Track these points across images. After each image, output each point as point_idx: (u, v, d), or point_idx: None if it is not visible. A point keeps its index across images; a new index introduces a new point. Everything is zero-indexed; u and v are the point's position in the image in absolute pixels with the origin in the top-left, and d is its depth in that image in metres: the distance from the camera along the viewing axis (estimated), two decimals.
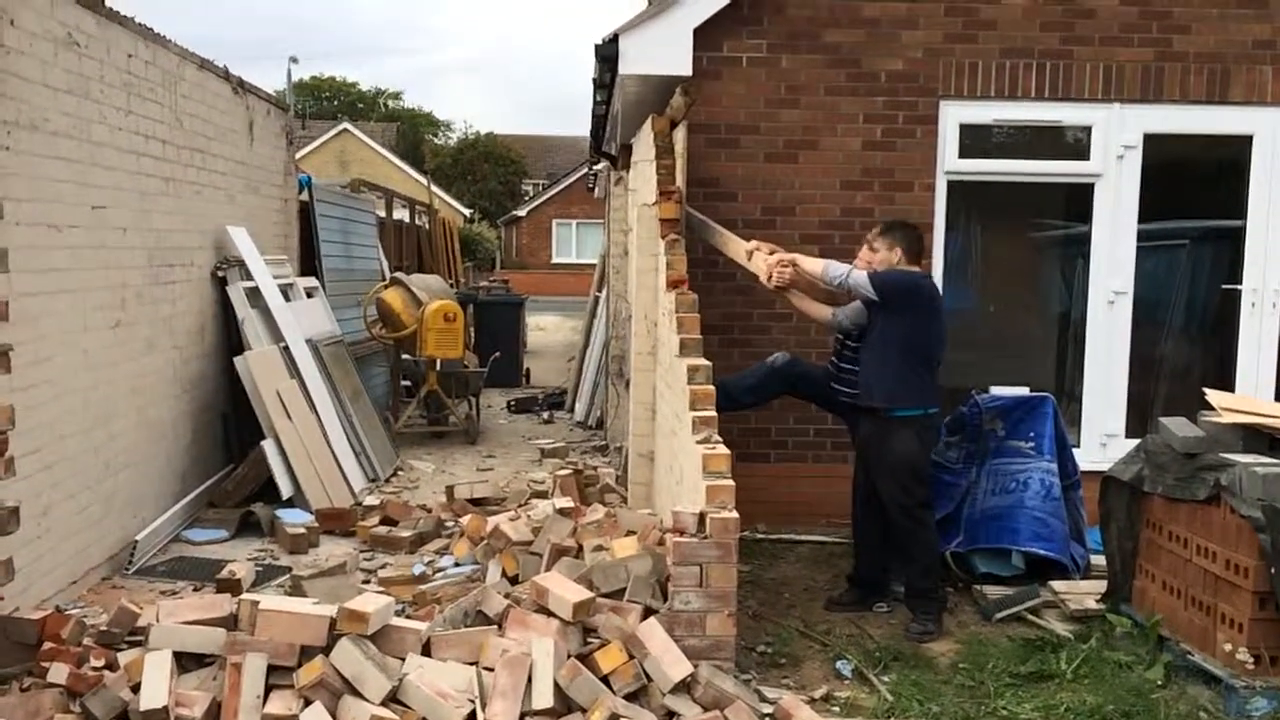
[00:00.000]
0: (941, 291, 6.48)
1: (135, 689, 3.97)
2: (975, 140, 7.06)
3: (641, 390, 6.41)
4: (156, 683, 3.92)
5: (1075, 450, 6.41)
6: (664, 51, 6.79)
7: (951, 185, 7.06)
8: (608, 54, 6.97)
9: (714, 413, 4.98)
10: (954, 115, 6.96)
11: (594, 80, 8.34)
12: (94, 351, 5.82)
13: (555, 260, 39.83)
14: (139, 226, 6.44)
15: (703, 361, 5.25)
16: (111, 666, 4.12)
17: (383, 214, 14.21)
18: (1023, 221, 7.67)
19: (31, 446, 5.06)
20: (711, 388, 5.12)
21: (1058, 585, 5.66)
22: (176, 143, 7.08)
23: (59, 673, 4.02)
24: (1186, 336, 7.63)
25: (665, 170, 6.04)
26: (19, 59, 5.06)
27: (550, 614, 4.32)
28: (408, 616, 4.75)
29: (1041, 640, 5.13)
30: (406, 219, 17.28)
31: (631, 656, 4.20)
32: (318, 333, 8.60)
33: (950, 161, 7.00)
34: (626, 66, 6.86)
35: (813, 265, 5.68)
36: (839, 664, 4.89)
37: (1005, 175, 7.13)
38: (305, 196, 10.25)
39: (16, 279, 4.89)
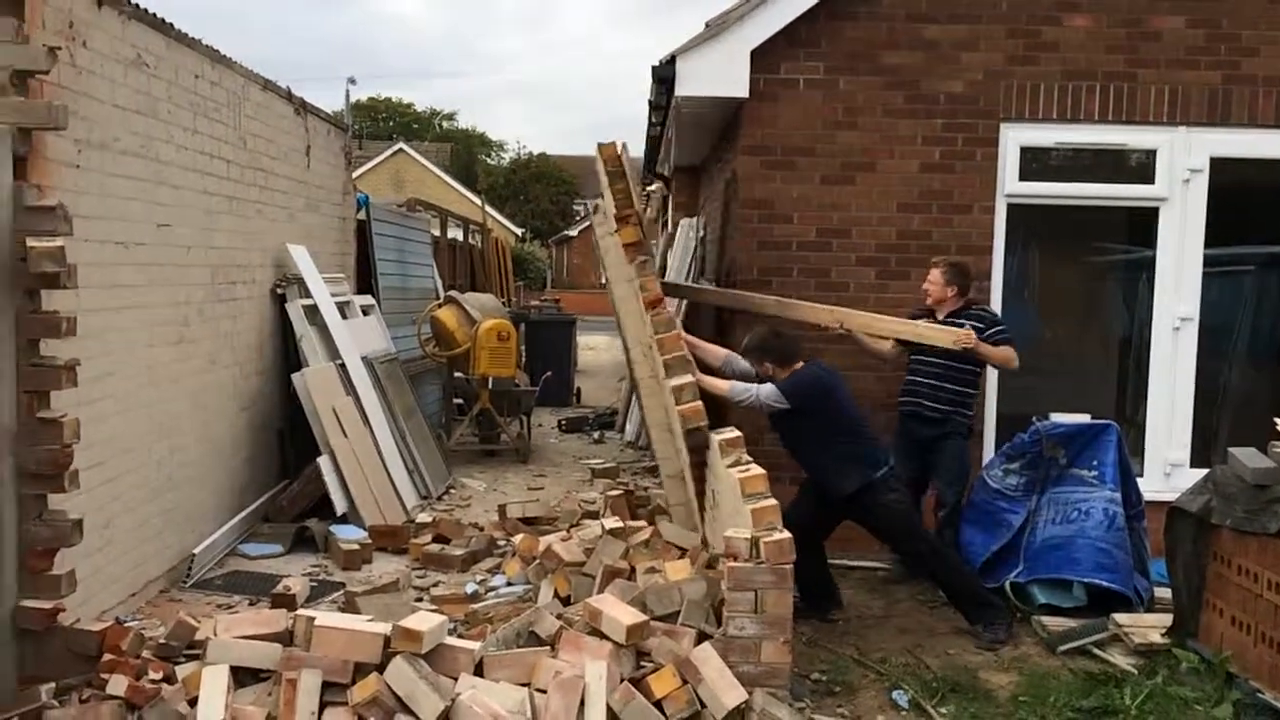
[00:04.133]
0: (1000, 315, 6.43)
1: (192, 703, 4.00)
2: (1036, 163, 6.97)
3: (654, 413, 6.37)
4: (214, 698, 3.95)
5: (1139, 480, 6.27)
6: (721, 73, 6.81)
7: (1011, 208, 6.97)
8: (664, 76, 6.99)
9: (734, 432, 5.11)
10: (1015, 138, 6.88)
11: (650, 102, 8.37)
12: (157, 367, 5.91)
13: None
14: (202, 244, 6.55)
15: (688, 379, 5.34)
16: (169, 679, 4.15)
17: (437, 233, 14.33)
18: (1083, 245, 7.55)
19: (95, 460, 5.14)
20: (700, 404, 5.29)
21: (1121, 618, 5.52)
22: (240, 162, 7.19)
23: (118, 684, 4.06)
24: (1253, 364, 7.44)
25: (621, 194, 5.99)
26: (90, 79, 5.17)
27: (603, 636, 4.29)
28: (460, 636, 4.74)
29: (1105, 674, 5.01)
30: (460, 238, 17.43)
31: (685, 681, 4.16)
32: (373, 350, 8.67)
33: (1010, 184, 6.91)
34: (683, 88, 6.88)
35: (717, 385, 5.70)
36: (895, 694, 4.80)
37: (1067, 198, 7.03)
38: (363, 215, 10.37)
39: (84, 295, 4.97)
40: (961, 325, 6.08)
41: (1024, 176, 6.94)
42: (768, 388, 5.54)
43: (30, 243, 4.26)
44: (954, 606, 5.70)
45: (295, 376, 7.57)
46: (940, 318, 6.26)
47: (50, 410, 4.39)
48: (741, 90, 6.82)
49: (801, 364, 5.64)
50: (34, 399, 4.35)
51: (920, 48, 6.85)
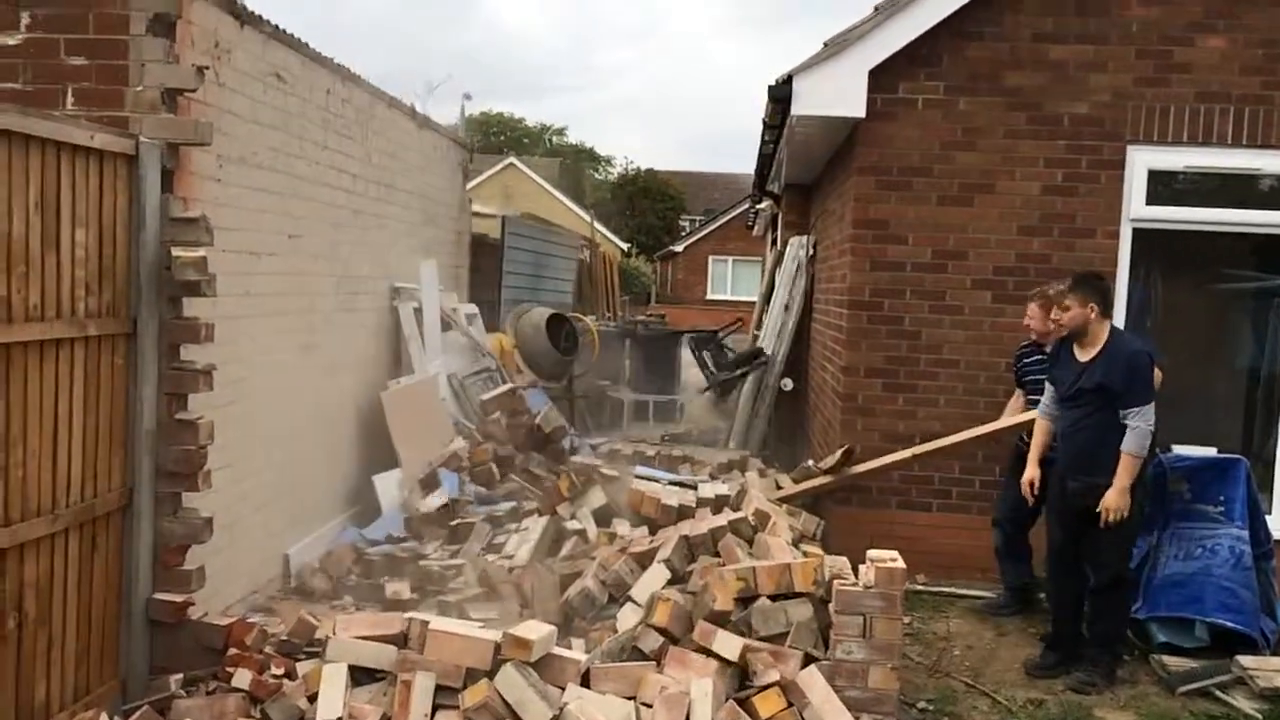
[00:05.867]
0: None
1: (312, 699, 4.14)
2: (1164, 187, 6.77)
3: None
4: (332, 695, 4.07)
5: (1267, 518, 6.02)
6: (838, 93, 6.79)
7: (1137, 233, 6.78)
8: (781, 95, 7.00)
9: None
10: (1142, 161, 6.70)
11: (764, 120, 8.37)
12: (284, 373, 6.14)
13: (710, 296, 39.87)
14: (329, 255, 6.78)
15: None
16: (290, 675, 4.31)
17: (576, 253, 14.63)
18: (1210, 272, 7.28)
19: (225, 461, 5.35)
20: None
21: (1246, 660, 5.30)
22: (366, 176, 7.44)
23: (243, 678, 4.23)
24: None
25: None
26: (232, 96, 5.42)
27: (710, 654, 4.30)
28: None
29: (1227, 718, 4.83)
30: (576, 256, 17.67)
31: (790, 704, 4.14)
32: (461, 368, 8.84)
33: (1137, 208, 6.73)
34: (800, 107, 6.87)
35: (1125, 475, 5.15)
36: None
37: (1197, 224, 6.80)
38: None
39: (220, 302, 5.19)
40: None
41: (1151, 201, 6.75)
42: (1148, 410, 5.11)
43: (175, 252, 4.49)
44: (1073, 641, 5.46)
45: (383, 395, 7.68)
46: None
47: (187, 412, 4.61)
48: (859, 110, 6.78)
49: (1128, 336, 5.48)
50: (173, 401, 4.57)
51: (1045, 68, 6.72)
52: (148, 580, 4.53)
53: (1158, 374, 5.62)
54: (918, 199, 6.90)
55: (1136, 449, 5.09)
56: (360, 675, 4.29)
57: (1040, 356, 6.05)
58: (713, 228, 41.85)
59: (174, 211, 4.56)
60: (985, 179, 6.83)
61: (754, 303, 13.33)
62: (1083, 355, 5.33)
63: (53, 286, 3.99)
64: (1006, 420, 6.33)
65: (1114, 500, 5.10)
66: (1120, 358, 5.20)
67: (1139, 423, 5.08)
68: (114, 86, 4.63)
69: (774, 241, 13.71)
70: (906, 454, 6.59)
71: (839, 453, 6.66)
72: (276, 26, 5.93)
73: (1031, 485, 5.55)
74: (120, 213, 4.39)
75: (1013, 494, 5.99)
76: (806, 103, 6.86)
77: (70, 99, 4.64)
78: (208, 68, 4.98)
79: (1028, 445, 5.84)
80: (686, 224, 49.30)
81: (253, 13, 5.60)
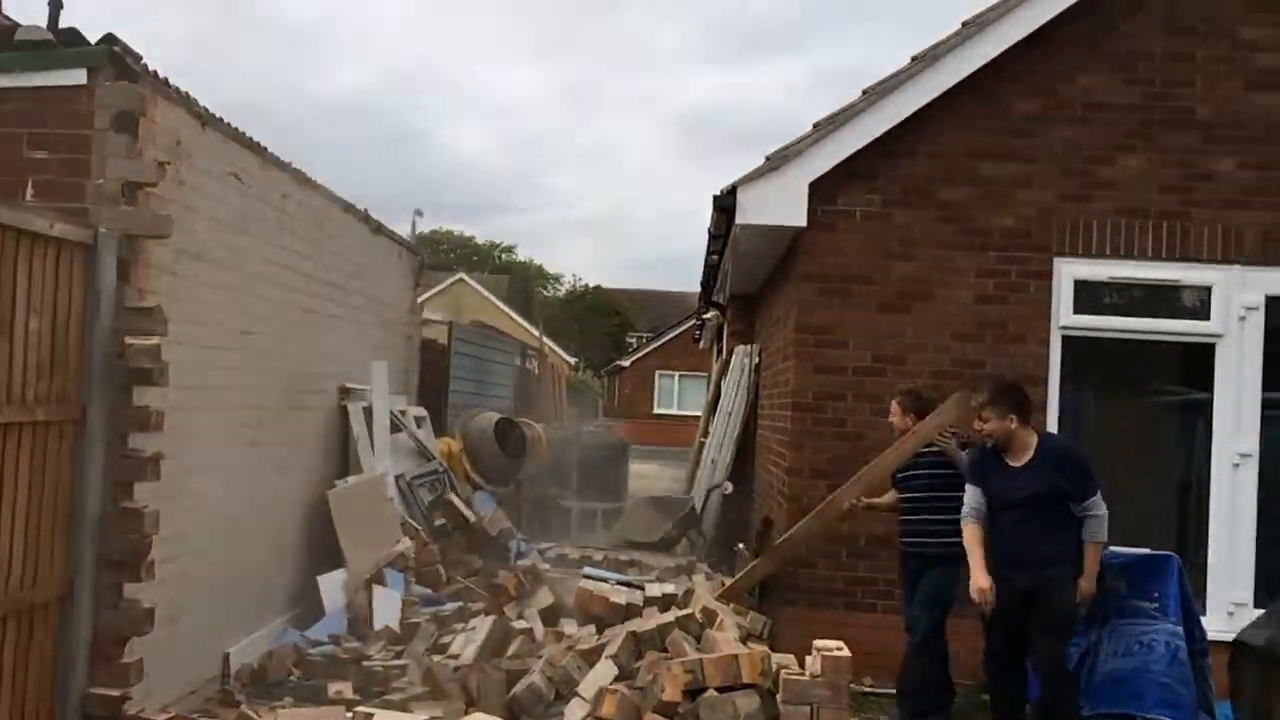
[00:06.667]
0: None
1: None
2: (1090, 296, 7.07)
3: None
4: None
5: (1201, 619, 6.15)
6: (780, 203, 7.05)
7: (1066, 340, 7.05)
8: (725, 205, 7.26)
9: None
10: (1069, 271, 7.01)
11: (709, 231, 8.64)
12: (232, 468, 6.11)
13: (657, 410, 40.13)
14: (281, 353, 6.83)
15: None
16: None
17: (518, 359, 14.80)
18: (1140, 380, 7.56)
19: (168, 554, 5.27)
20: None
21: None
22: (318, 277, 7.54)
23: None
24: None
25: None
26: (191, 193, 5.53)
27: None
28: None
29: None
30: (518, 362, 17.79)
31: None
32: (416, 469, 8.85)
33: (1065, 316, 7.01)
34: (743, 217, 7.12)
35: (1094, 562, 5.44)
36: None
37: (1122, 332, 7.08)
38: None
39: (170, 394, 5.21)
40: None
41: (1078, 310, 7.03)
42: (1099, 498, 5.34)
43: (129, 340, 4.53)
44: None
45: (330, 493, 7.64)
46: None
47: (133, 501, 4.58)
48: (800, 219, 7.05)
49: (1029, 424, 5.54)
50: (119, 489, 4.55)
51: (975, 183, 7.06)
52: (84, 673, 4.43)
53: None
54: (858, 305, 7.12)
55: (1101, 536, 5.36)
56: None
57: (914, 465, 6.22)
58: (659, 343, 42.35)
59: (129, 301, 4.62)
60: (922, 287, 7.09)
61: (699, 417, 13.51)
62: (1016, 462, 5.46)
63: (4, 371, 4.01)
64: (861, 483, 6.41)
65: (1088, 588, 5.34)
66: (1062, 459, 5.40)
67: (1097, 511, 5.35)
68: (75, 179, 4.72)
69: (720, 351, 13.95)
70: (809, 518, 6.61)
71: (760, 525, 6.71)
72: (237, 129, 6.09)
73: (982, 592, 5.40)
74: (75, 301, 4.45)
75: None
76: (750, 213, 7.11)
77: (30, 190, 4.72)
78: (169, 163, 5.10)
79: (909, 546, 6.11)
80: (634, 340, 49.85)
81: (214, 114, 5.75)
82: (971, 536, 5.51)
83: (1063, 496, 5.33)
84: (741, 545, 7.13)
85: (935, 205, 7.09)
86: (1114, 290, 7.16)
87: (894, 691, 6.54)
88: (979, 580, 5.37)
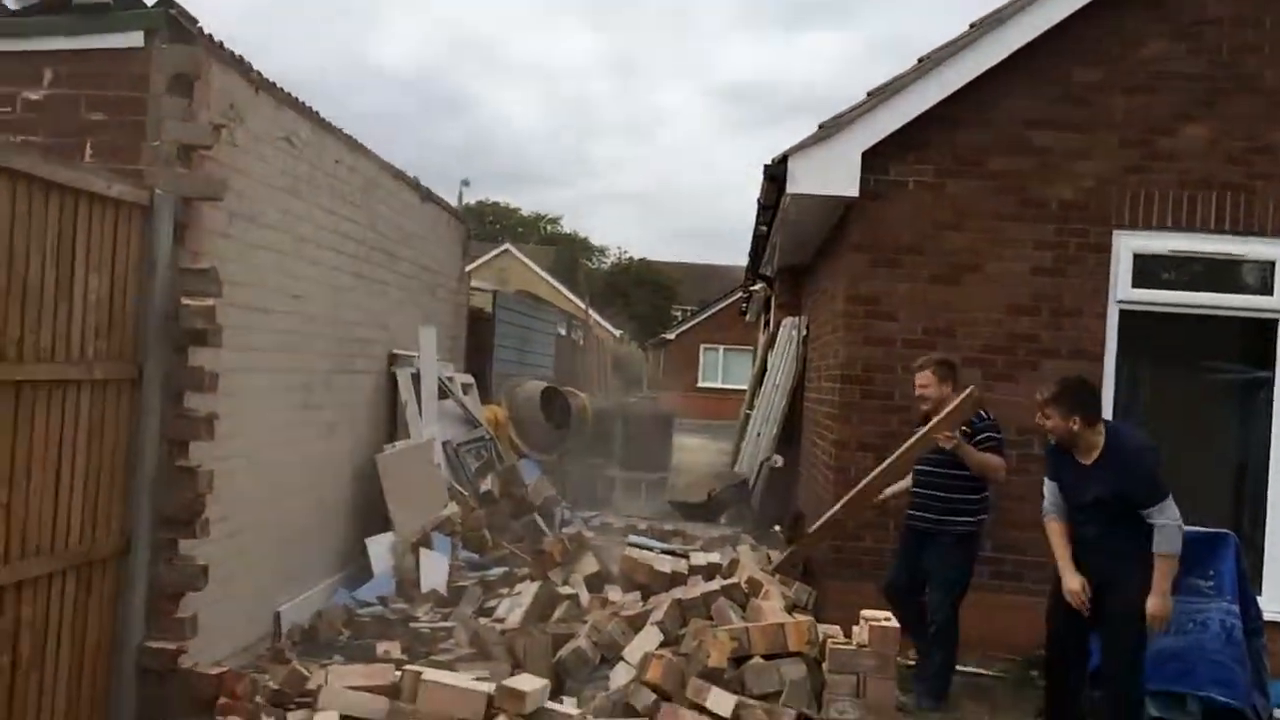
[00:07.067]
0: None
1: None
2: (1149, 270, 6.93)
3: None
4: None
5: (1257, 598, 6.04)
6: (832, 173, 6.96)
7: (1124, 314, 6.92)
8: (776, 174, 7.19)
9: None
10: (1128, 245, 6.87)
11: (759, 201, 8.57)
12: (283, 430, 6.19)
13: (701, 384, 40.07)
14: (330, 317, 6.88)
15: None
16: None
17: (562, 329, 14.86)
18: (1198, 357, 7.40)
19: (221, 514, 5.36)
20: None
21: None
22: (368, 243, 7.58)
23: None
24: None
25: None
26: (244, 156, 5.57)
27: (703, 711, 4.30)
28: None
29: None
30: (564, 332, 17.85)
31: None
32: (463, 435, 8.89)
33: (1123, 290, 6.88)
34: (794, 186, 7.04)
35: (1163, 578, 5.10)
36: None
37: (1181, 307, 6.93)
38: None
39: (223, 355, 5.26)
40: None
41: (1136, 284, 6.90)
42: (1168, 504, 5.03)
43: (184, 300, 4.58)
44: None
45: (379, 457, 7.72)
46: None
47: (188, 460, 4.65)
48: (852, 189, 6.96)
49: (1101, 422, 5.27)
50: (175, 448, 4.61)
51: (1031, 154, 6.93)
52: (140, 627, 4.51)
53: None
54: (908, 276, 7.04)
55: (1169, 548, 5.00)
56: None
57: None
58: (705, 316, 42.21)
59: (184, 262, 4.66)
60: (974, 259, 6.98)
61: (744, 391, 13.47)
62: (1085, 459, 5.25)
63: (64, 329, 4.06)
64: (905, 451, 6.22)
65: (1157, 607, 5.02)
66: (1127, 463, 5.12)
67: (1164, 520, 4.99)
68: (132, 141, 4.77)
69: (766, 324, 13.89)
70: (837, 507, 6.48)
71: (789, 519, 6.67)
72: (289, 94, 6.12)
73: (1075, 595, 5.19)
74: (133, 261, 4.49)
75: (906, 563, 6.14)
76: (801, 182, 7.03)
77: (89, 152, 4.77)
78: (224, 126, 5.13)
79: (916, 517, 6.05)
80: (679, 313, 49.74)
81: (267, 79, 5.78)
82: (1055, 533, 5.37)
83: (1134, 503, 5.08)
84: (778, 528, 7.09)
85: (989, 176, 6.97)
86: (1174, 264, 7.02)
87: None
88: (1070, 583, 5.20)
